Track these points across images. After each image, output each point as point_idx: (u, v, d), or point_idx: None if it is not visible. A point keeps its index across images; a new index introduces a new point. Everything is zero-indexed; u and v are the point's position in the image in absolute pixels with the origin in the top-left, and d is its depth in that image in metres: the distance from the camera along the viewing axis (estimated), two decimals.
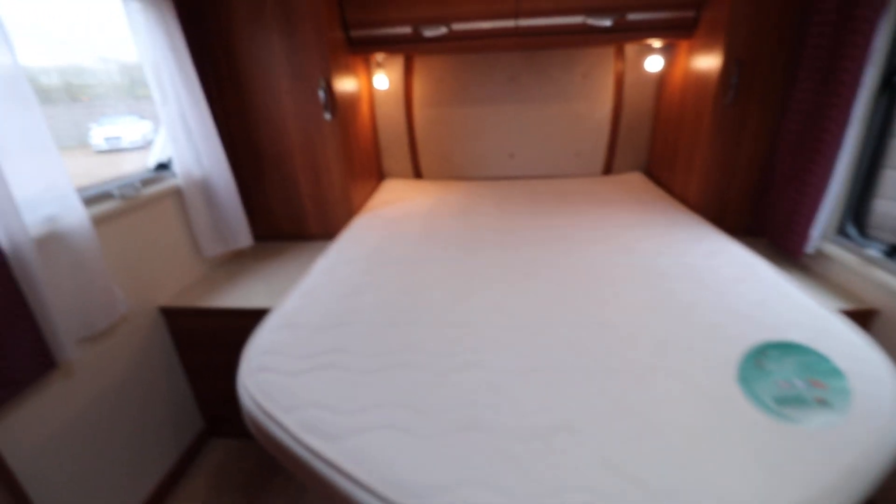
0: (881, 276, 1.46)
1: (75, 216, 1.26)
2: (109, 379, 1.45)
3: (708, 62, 1.91)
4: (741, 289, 1.34)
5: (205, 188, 1.83)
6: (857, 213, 1.65)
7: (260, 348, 1.13)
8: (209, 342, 1.70)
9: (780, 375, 1.00)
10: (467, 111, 2.60)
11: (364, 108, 2.41)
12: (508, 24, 2.03)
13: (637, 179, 2.53)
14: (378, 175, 2.70)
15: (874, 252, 1.52)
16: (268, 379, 1.01)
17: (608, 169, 2.68)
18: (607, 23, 1.99)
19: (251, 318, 1.54)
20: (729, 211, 2.00)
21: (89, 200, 1.42)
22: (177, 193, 1.74)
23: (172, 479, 1.69)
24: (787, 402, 0.93)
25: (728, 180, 1.96)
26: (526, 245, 1.71)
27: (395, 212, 2.19)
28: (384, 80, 2.49)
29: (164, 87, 1.63)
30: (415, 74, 2.55)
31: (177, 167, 1.72)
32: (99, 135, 4.69)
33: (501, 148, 2.67)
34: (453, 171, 2.74)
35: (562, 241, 1.75)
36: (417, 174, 2.77)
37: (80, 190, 1.43)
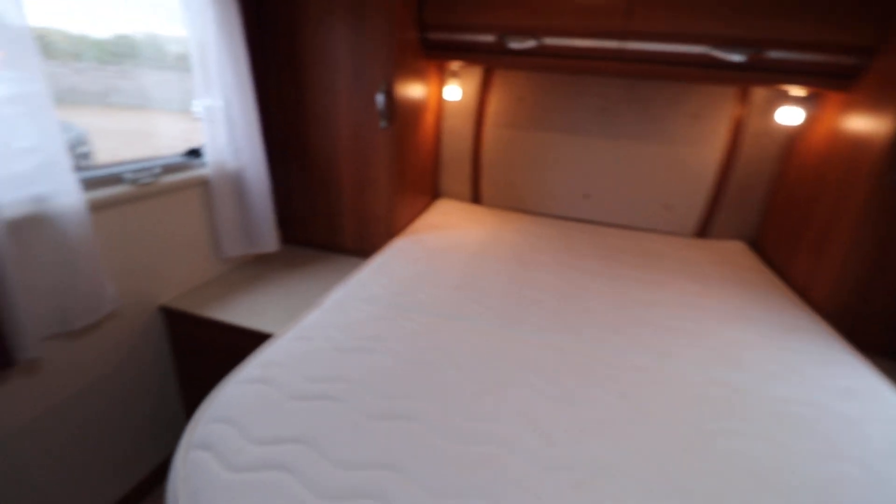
0: None
1: (68, 199, 1.10)
2: (89, 378, 1.29)
3: (871, 125, 1.45)
4: None
5: (236, 183, 1.66)
6: None
7: (217, 409, 0.89)
8: (208, 352, 1.51)
9: None
10: (544, 137, 2.27)
11: (429, 118, 2.17)
12: (612, 45, 1.69)
13: (739, 251, 2.06)
14: (432, 193, 2.44)
15: None
16: (203, 466, 0.75)
17: (703, 231, 2.23)
18: (738, 58, 1.59)
19: (253, 340, 1.34)
20: (871, 322, 1.50)
21: (94, 183, 1.27)
22: (203, 184, 1.58)
23: (144, 489, 1.52)
24: None
25: (876, 281, 1.47)
26: (588, 325, 1.34)
27: (440, 240, 1.91)
28: (457, 91, 2.23)
29: (209, 69, 1.47)
30: (492, 89, 2.27)
31: (209, 156, 1.55)
32: (199, 103, 5.06)
33: (576, 185, 2.31)
34: (516, 202, 2.42)
35: (637, 327, 1.36)
36: (476, 199, 2.48)
37: (86, 170, 1.29)
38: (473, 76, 2.26)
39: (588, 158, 2.25)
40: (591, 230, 2.20)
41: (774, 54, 1.57)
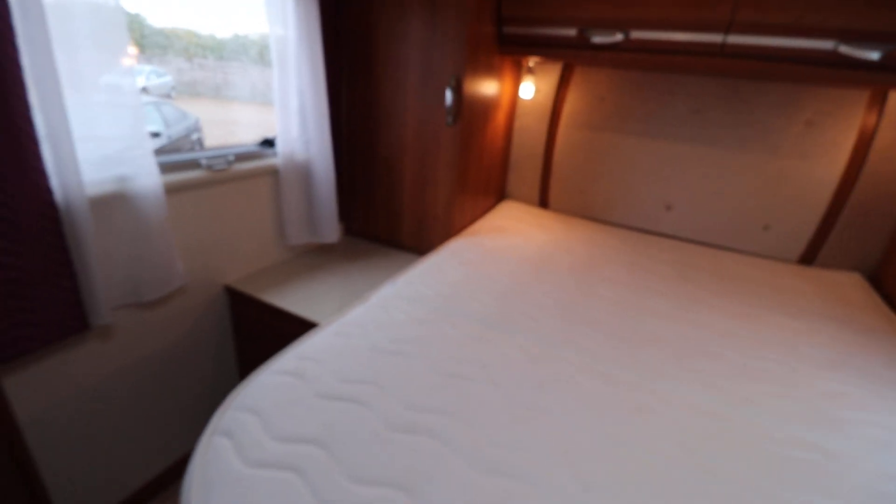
0: None
1: (148, 181, 1.19)
2: (151, 349, 1.40)
3: None
4: None
5: (304, 174, 1.71)
6: None
7: (247, 397, 0.90)
8: (264, 334, 1.58)
9: None
10: (624, 141, 2.08)
11: (500, 116, 2.08)
12: (713, 38, 1.48)
13: (853, 284, 1.74)
14: (498, 194, 2.36)
15: None
16: (223, 454, 0.76)
17: (810, 257, 1.91)
18: (873, 56, 1.31)
19: (303, 328, 1.37)
20: None
21: (172, 167, 1.36)
22: (273, 174, 1.65)
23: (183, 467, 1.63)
24: None
25: None
26: (651, 355, 1.19)
27: (498, 244, 1.83)
28: (531, 88, 2.12)
29: (287, 62, 1.52)
30: (570, 87, 2.13)
31: (280, 146, 1.61)
32: (276, 97, 5.44)
33: (657, 194, 2.09)
34: (586, 210, 2.26)
35: (712, 362, 1.18)
36: (543, 203, 2.35)
37: (166, 154, 1.39)
38: (551, 73, 2.13)
39: (673, 166, 2.03)
40: (670, 246, 1.98)
41: None
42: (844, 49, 1.34)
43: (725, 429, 0.95)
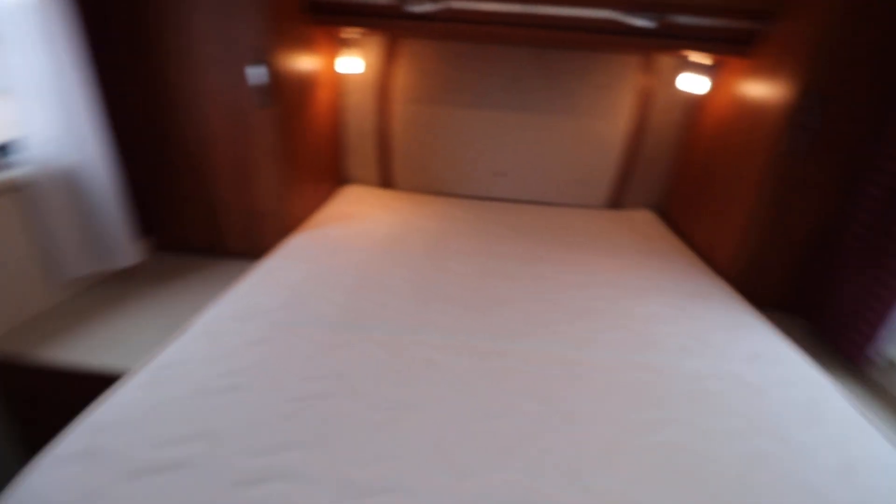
0: None
1: None
2: None
3: (769, 92, 1.46)
4: (814, 438, 0.89)
5: (69, 184, 1.31)
6: None
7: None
8: (53, 403, 1.19)
9: None
10: (456, 113, 2.10)
11: (323, 95, 1.90)
12: (518, 9, 1.54)
13: (649, 221, 2.08)
14: (335, 179, 2.20)
15: None
16: None
17: (616, 202, 2.22)
18: (645, 24, 1.52)
19: (104, 384, 1.06)
20: (767, 279, 1.55)
21: None
22: (15, 190, 1.22)
23: None
24: None
25: (772, 241, 1.51)
26: (502, 319, 1.22)
27: (345, 231, 1.70)
28: (358, 63, 1.98)
29: (22, 39, 1.11)
30: (399, 61, 2.04)
31: (25, 153, 1.20)
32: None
33: (493, 162, 2.19)
34: (431, 184, 2.25)
35: (555, 313, 1.28)
36: (387, 183, 2.27)
37: None
38: (376, 47, 2.01)
39: (502, 134, 2.13)
40: (507, 210, 2.10)
41: (680, 19, 1.52)
42: (622, 18, 1.52)
43: (575, 373, 1.03)
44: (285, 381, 0.92)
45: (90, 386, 1.12)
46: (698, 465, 0.82)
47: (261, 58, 1.38)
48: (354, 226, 1.77)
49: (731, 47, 1.58)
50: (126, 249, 1.43)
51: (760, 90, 1.51)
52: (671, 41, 1.59)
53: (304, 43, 1.65)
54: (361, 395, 0.90)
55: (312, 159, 1.85)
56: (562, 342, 1.14)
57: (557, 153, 2.13)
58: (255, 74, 1.40)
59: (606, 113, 2.04)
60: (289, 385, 0.91)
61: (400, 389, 0.92)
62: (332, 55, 1.94)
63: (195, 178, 1.58)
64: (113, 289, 1.46)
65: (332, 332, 1.09)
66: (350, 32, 1.91)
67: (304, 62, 1.67)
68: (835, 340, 1.37)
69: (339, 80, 2.06)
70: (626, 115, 2.04)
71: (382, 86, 2.07)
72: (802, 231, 1.48)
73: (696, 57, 1.77)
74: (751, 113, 1.56)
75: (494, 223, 1.91)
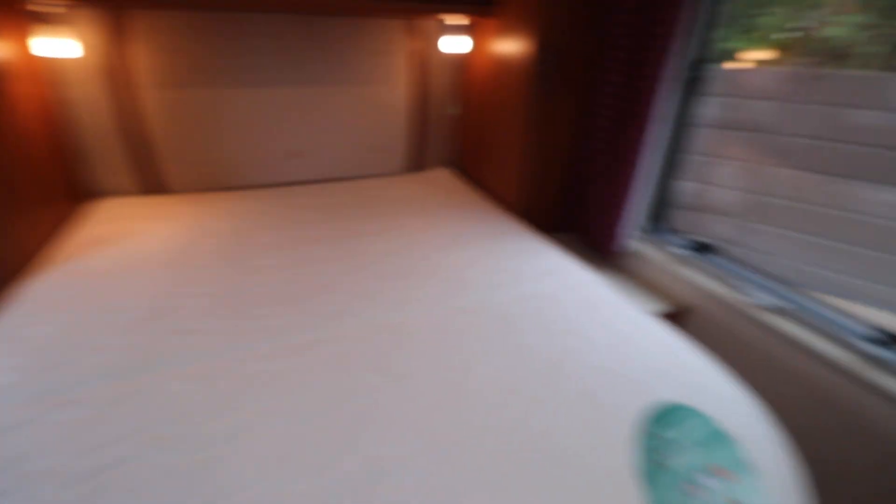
0: (688, 273, 1.46)
1: None
2: None
3: (516, 48, 1.67)
4: (597, 329, 1.11)
5: None
6: (664, 211, 1.65)
7: None
8: None
9: (683, 471, 0.76)
10: (225, 94, 1.84)
11: (23, 89, 1.44)
12: None
13: (446, 178, 2.24)
14: (70, 196, 1.71)
15: (679, 249, 1.53)
16: None
17: (416, 165, 2.32)
18: None
19: None
20: (545, 209, 1.85)
21: None
22: None
23: None
24: None
25: (543, 177, 1.79)
26: (329, 305, 1.18)
27: (109, 258, 1.36)
28: (70, 44, 1.52)
29: None
30: (132, 39, 1.65)
31: None
32: None
33: (282, 144, 2.02)
34: (216, 180, 1.97)
35: (377, 282, 1.28)
36: (155, 188, 1.89)
37: None
38: (93, 23, 1.58)
39: (285, 112, 1.97)
40: (309, 192, 1.99)
41: None
42: None
43: (406, 334, 1.06)
44: (56, 467, 0.71)
45: None
46: (520, 372, 0.95)
47: None
48: (121, 248, 1.43)
49: (475, 8, 1.75)
50: None
51: (509, 47, 1.72)
52: (422, 4, 1.68)
53: None
54: (156, 464, 0.73)
55: (24, 176, 1.40)
56: (387, 309, 1.16)
57: (347, 125, 2.08)
58: None
59: (386, 79, 2.07)
60: (63, 470, 0.70)
61: (209, 435, 0.78)
62: (23, 36, 1.46)
63: None
64: None
65: (111, 385, 0.88)
66: (43, 3, 1.45)
67: None
68: (596, 245, 1.72)
69: (48, 69, 1.58)
70: (406, 80, 2.10)
71: (116, 71, 1.67)
72: (560, 162, 1.79)
73: (451, 19, 1.91)
74: (506, 67, 1.77)
75: (298, 208, 1.79)
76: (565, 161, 1.79)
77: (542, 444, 0.79)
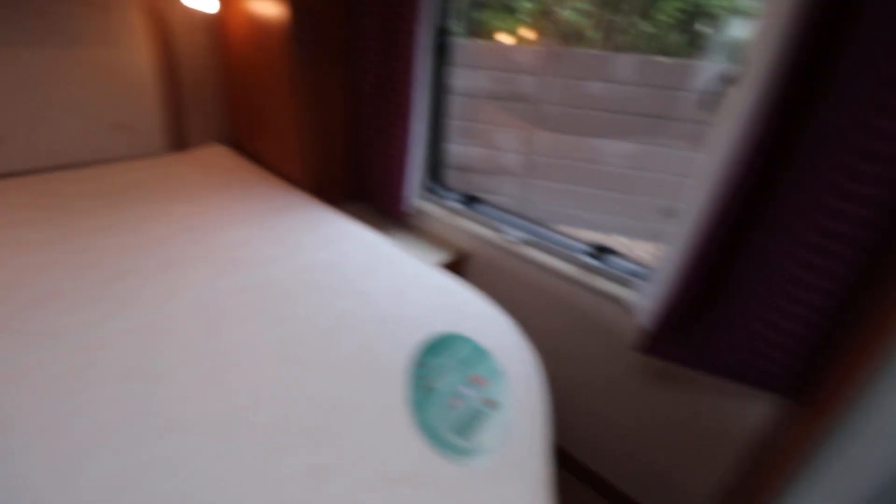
0: (464, 223, 1.64)
1: None
2: None
3: (273, 11, 1.53)
4: (377, 285, 1.16)
5: None
6: (438, 168, 1.79)
7: None
8: None
9: (447, 389, 0.86)
10: None
11: None
12: None
13: (220, 154, 1.99)
14: None
15: (455, 203, 1.69)
16: None
17: (179, 143, 1.99)
18: None
19: None
20: (332, 179, 1.81)
21: None
22: None
23: None
24: (468, 427, 0.78)
25: (325, 145, 1.74)
26: (83, 316, 0.94)
27: None
28: None
29: None
30: None
31: None
32: None
33: None
34: None
35: (118, 279, 1.07)
36: None
37: None
38: None
39: None
40: (20, 186, 1.53)
41: None
42: None
43: (162, 333, 0.92)
44: None
45: None
46: (294, 342, 0.92)
47: None
48: None
49: None
50: None
51: (265, 9, 1.58)
52: None
53: None
54: None
55: None
56: (137, 308, 0.99)
57: (66, 96, 1.64)
58: None
59: (114, 39, 1.69)
60: None
61: None
62: None
63: None
64: None
65: None
66: None
67: None
68: (384, 209, 1.78)
69: None
70: (146, 42, 1.76)
71: None
72: (342, 132, 1.76)
73: None
74: (265, 31, 1.62)
75: (7, 208, 1.36)
76: (347, 131, 1.78)
77: (320, 405, 0.79)
